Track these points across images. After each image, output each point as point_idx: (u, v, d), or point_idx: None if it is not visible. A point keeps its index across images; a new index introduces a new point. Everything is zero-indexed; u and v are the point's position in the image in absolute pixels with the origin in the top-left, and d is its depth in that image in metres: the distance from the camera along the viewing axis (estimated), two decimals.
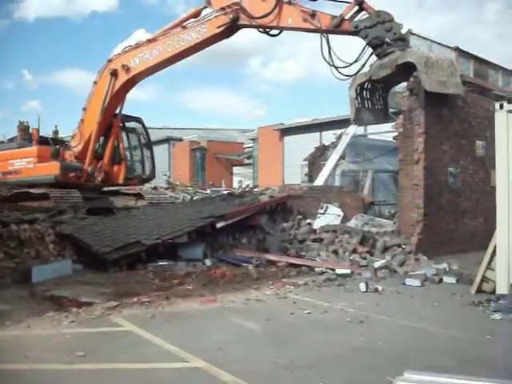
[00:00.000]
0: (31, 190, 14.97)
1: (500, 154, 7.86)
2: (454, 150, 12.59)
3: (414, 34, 14.17)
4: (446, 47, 15.71)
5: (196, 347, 5.54)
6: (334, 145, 20.05)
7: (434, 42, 15.38)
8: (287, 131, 32.19)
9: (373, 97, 12.85)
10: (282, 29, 12.16)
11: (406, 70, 10.98)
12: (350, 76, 11.76)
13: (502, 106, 7.83)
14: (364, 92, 12.62)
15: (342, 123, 21.04)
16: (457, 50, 15.97)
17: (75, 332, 6.13)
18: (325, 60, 11.29)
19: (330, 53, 11.25)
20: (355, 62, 11.27)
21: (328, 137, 23.97)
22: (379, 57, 11.10)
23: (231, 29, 12.59)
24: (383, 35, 10.82)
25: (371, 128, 22.92)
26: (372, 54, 11.20)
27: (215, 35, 12.72)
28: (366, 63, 11.39)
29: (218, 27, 12.42)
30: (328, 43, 11.26)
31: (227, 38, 13.01)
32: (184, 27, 13.19)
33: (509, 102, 8.16)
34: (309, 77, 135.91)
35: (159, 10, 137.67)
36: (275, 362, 5.13)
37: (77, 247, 11.00)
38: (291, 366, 5.04)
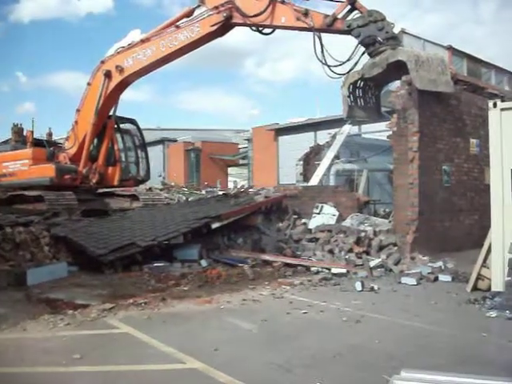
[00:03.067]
0: (26, 193, 14.93)
1: (494, 152, 7.89)
2: (448, 148, 12.62)
3: (408, 33, 14.20)
4: (440, 46, 15.75)
5: (192, 348, 5.53)
6: (329, 144, 20.10)
7: (428, 40, 15.42)
8: (282, 131, 32.18)
9: (365, 95, 12.90)
10: (275, 27, 12.18)
11: (398, 69, 11.03)
12: (343, 74, 11.81)
13: (495, 105, 7.86)
14: (356, 90, 12.67)
15: (337, 123, 21.09)
16: (450, 48, 16.01)
17: (71, 334, 6.11)
18: (318, 59, 11.34)
19: (322, 52, 11.30)
20: (348, 60, 11.33)
21: (322, 136, 24.00)
22: (371, 55, 11.15)
23: (225, 27, 12.60)
24: (375, 34, 10.88)
25: (365, 127, 22.96)
26: (364, 52, 11.24)
27: (209, 34, 12.73)
28: (358, 62, 11.44)
29: (212, 26, 12.43)
30: (321, 42, 11.31)
31: (221, 36, 13.01)
32: (177, 27, 13.18)
33: (502, 101, 8.20)
34: (303, 77, 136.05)
35: (155, 11, 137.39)
36: (272, 362, 5.13)
37: (72, 249, 10.97)
38: (288, 365, 5.04)
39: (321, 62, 11.31)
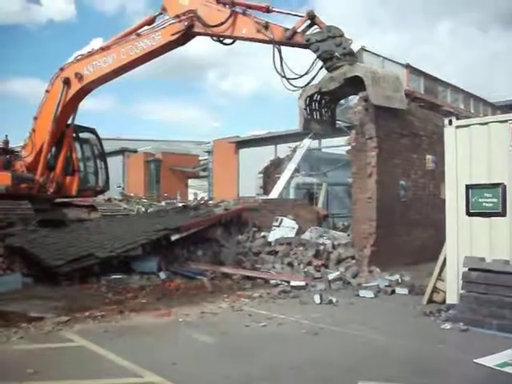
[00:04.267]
0: None
1: (449, 168, 8.10)
2: (405, 163, 12.88)
3: (367, 51, 14.49)
4: (398, 64, 16.12)
5: (150, 362, 5.46)
6: (289, 158, 20.27)
7: (387, 58, 15.77)
8: (242, 144, 32.29)
9: (321, 108, 13.12)
10: (235, 38, 12.27)
11: (354, 84, 11.25)
12: (301, 87, 11.97)
13: (450, 122, 8.09)
14: (313, 103, 12.87)
15: (297, 136, 21.28)
16: (408, 66, 16.39)
17: (25, 348, 5.96)
18: (277, 71, 11.48)
19: (281, 64, 11.46)
20: (305, 74, 11.50)
21: (283, 150, 24.17)
22: (329, 70, 11.35)
23: (186, 36, 12.61)
24: (333, 49, 11.10)
25: (325, 141, 23.24)
26: (322, 67, 11.44)
27: (170, 42, 12.72)
28: (316, 76, 11.62)
29: (173, 34, 12.42)
30: (280, 55, 11.46)
31: (182, 45, 13.02)
32: (138, 35, 13.12)
33: (457, 118, 8.44)
34: (265, 90, 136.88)
35: (117, 21, 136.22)
36: (230, 376, 5.11)
37: (27, 260, 10.69)
38: (246, 379, 5.03)
39: (279, 74, 11.46)
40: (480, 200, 7.67)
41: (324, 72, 11.55)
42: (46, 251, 10.68)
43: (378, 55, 15.60)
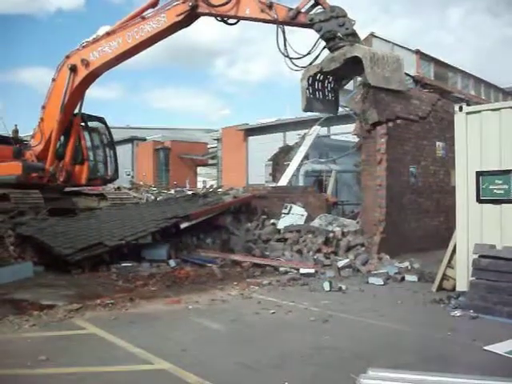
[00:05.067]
0: None
1: (459, 155, 8.05)
2: (415, 150, 12.81)
3: (377, 37, 14.38)
4: (408, 50, 16.00)
5: (160, 349, 5.50)
6: (298, 145, 20.22)
7: (397, 44, 15.66)
8: (251, 131, 32.23)
9: (324, 88, 13.03)
10: (239, 18, 12.24)
11: (356, 65, 11.16)
12: (304, 67, 11.91)
13: (461, 109, 8.02)
14: (316, 83, 12.79)
15: (306, 123, 21.22)
16: (418, 52, 16.27)
17: (36, 336, 6.01)
18: (280, 51, 11.45)
19: (285, 45, 11.42)
20: (308, 54, 11.44)
21: (292, 137, 24.12)
22: (331, 50, 11.28)
23: (190, 17, 12.61)
24: (336, 29, 11.02)
25: (334, 128, 23.15)
26: (325, 47, 11.38)
27: (175, 24, 12.71)
28: (319, 55, 11.55)
29: (178, 15, 12.42)
30: (284, 35, 11.42)
31: (186, 27, 13.01)
32: (143, 18, 13.12)
33: (468, 105, 8.37)
34: (274, 77, 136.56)
35: (125, 9, 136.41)
36: (240, 362, 5.14)
37: (38, 249, 10.79)
38: (256, 365, 5.05)
39: (283, 54, 11.43)
40: (491, 187, 7.62)
41: (327, 52, 11.50)
42: (57, 240, 10.75)
43: (388, 41, 15.48)
